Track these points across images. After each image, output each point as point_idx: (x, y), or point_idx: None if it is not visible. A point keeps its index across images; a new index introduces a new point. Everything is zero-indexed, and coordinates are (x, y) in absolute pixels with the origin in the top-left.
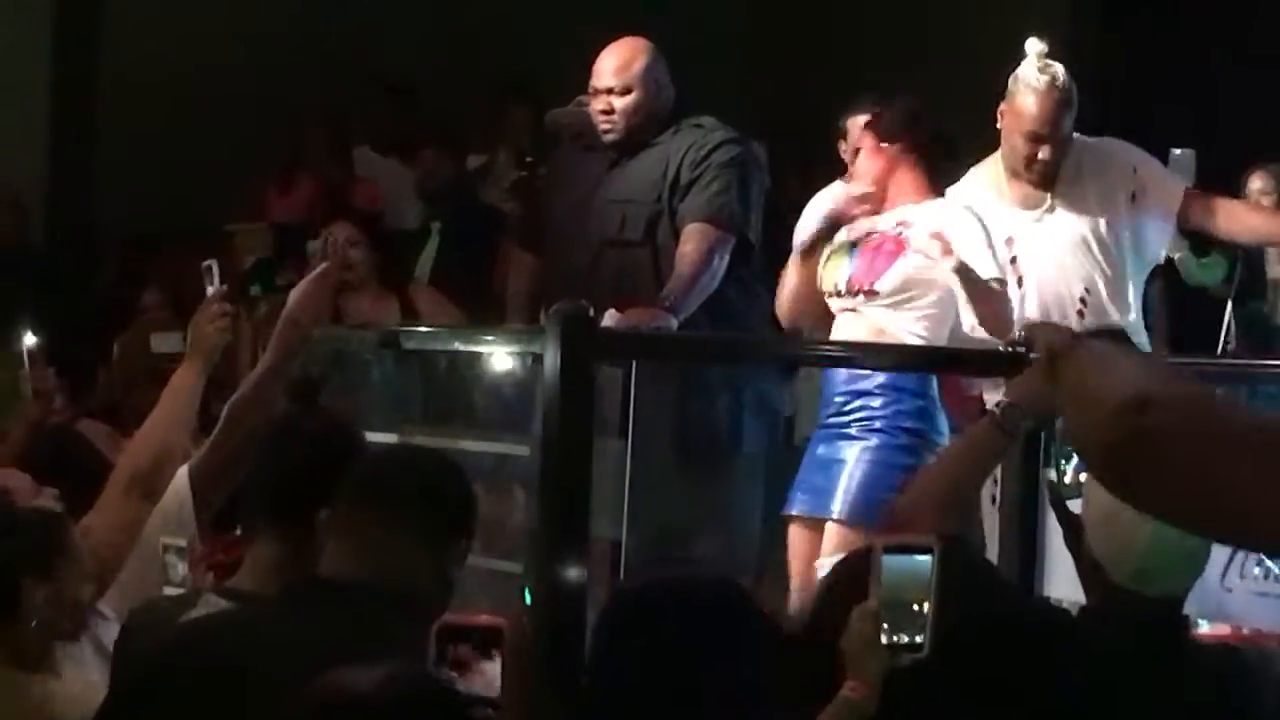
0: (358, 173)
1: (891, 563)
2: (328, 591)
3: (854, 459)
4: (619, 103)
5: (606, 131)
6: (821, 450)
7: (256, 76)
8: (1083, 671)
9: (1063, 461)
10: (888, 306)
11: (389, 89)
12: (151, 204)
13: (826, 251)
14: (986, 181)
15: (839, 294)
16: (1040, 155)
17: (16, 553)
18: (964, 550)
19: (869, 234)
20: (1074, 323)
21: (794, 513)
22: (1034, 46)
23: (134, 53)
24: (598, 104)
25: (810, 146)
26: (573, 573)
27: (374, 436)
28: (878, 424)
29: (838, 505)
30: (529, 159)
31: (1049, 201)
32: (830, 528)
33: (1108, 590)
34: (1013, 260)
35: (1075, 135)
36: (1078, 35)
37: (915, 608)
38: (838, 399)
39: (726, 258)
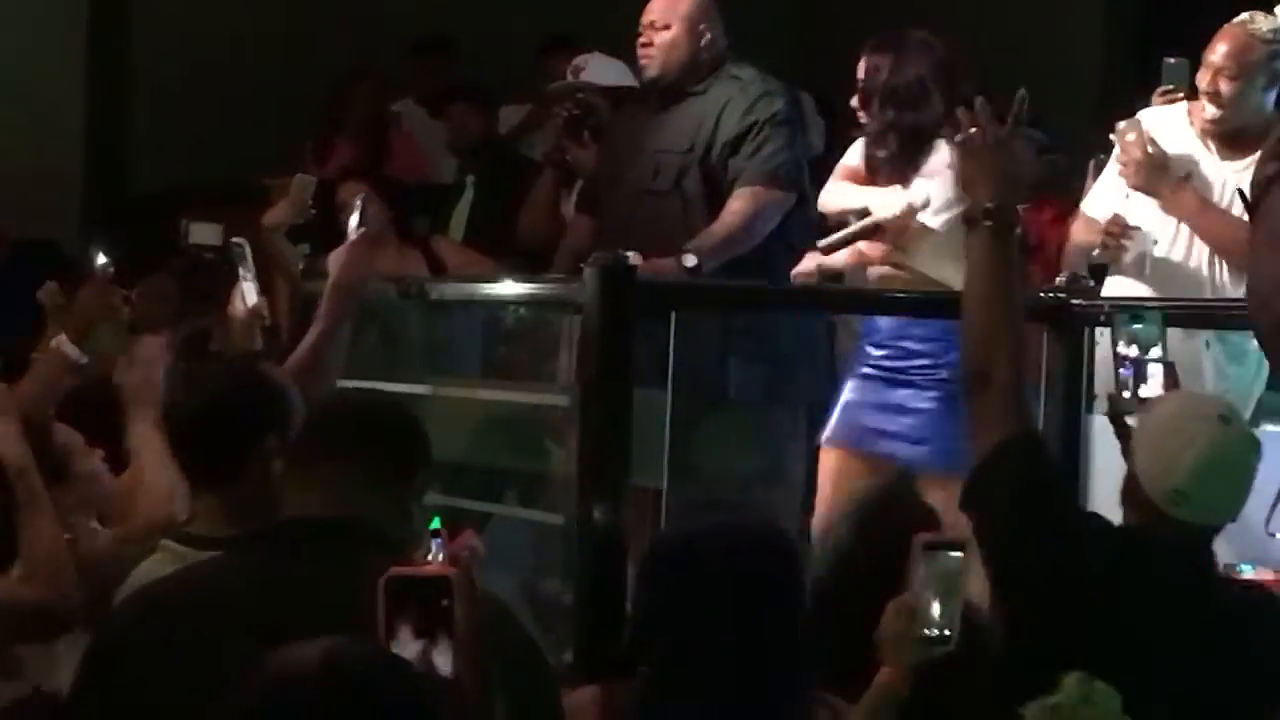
0: (404, 127)
1: (928, 559)
2: (303, 529)
3: (930, 408)
4: (658, 37)
5: (644, 67)
6: (881, 394)
7: (291, 29)
8: (1115, 585)
9: (1121, 375)
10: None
11: (419, 43)
12: (188, 161)
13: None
14: (1196, 114)
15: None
16: (1205, 85)
17: None
18: (1035, 442)
19: None
20: (1205, 280)
21: (869, 450)
22: None
23: (169, 8)
24: (641, 39)
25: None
26: (614, 521)
27: (412, 388)
28: (944, 373)
29: (933, 457)
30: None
31: (1249, 160)
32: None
33: (1142, 507)
34: None
35: None
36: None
37: (947, 603)
38: (890, 344)
39: (777, 218)
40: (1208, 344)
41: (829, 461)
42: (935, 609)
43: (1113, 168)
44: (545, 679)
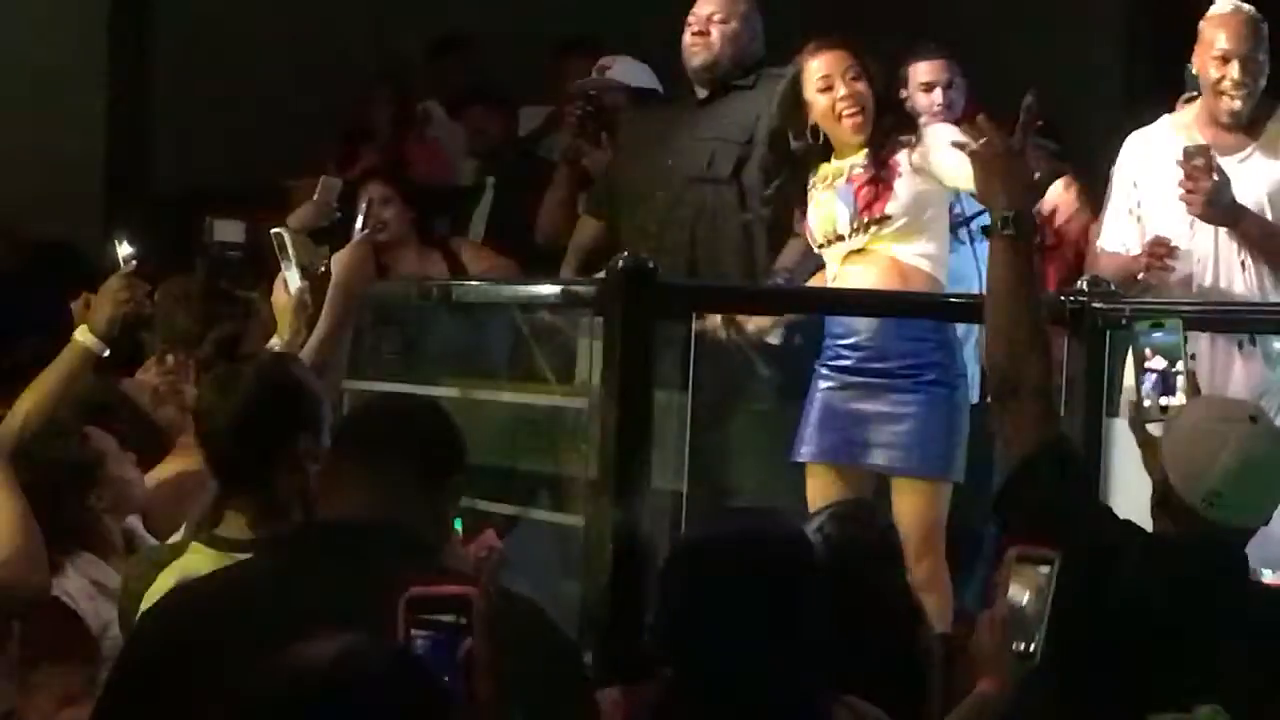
0: (428, 129)
1: (1018, 571)
2: (340, 532)
3: (915, 411)
4: (716, 30)
5: (695, 53)
6: (863, 402)
7: (313, 31)
8: (1147, 590)
9: (1144, 384)
10: (901, 230)
11: (439, 44)
12: (210, 163)
13: (812, 204)
14: (1179, 124)
15: (838, 239)
16: (1231, 74)
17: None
18: (1069, 447)
19: (847, 171)
20: (1238, 277)
21: (848, 463)
22: None
23: (191, 10)
24: (694, 28)
25: None
26: (634, 524)
27: (431, 390)
28: (931, 374)
29: (916, 462)
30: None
31: (1247, 150)
32: (916, 484)
33: (1177, 514)
34: None
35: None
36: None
37: (1033, 618)
38: (869, 346)
39: None
40: (1241, 344)
41: (819, 479)
42: (1022, 623)
43: (1119, 195)
44: (576, 681)
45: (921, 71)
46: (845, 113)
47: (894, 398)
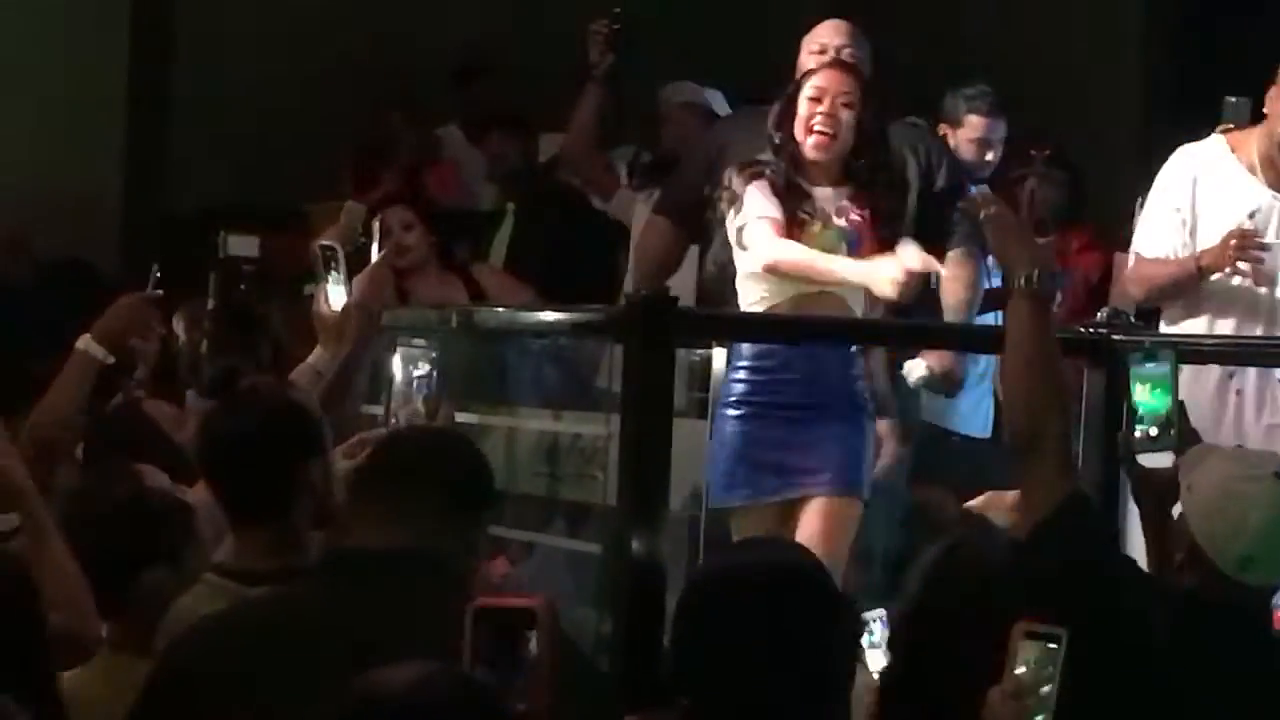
0: (443, 154)
1: (1026, 646)
2: (366, 561)
3: (839, 433)
4: (851, 62)
5: None
6: (793, 432)
7: (331, 56)
8: (1173, 652)
9: (1136, 416)
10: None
11: (460, 70)
12: (227, 186)
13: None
14: (1236, 149)
15: None
16: None
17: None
18: (1088, 503)
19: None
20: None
21: (776, 499)
22: None
23: (210, 34)
24: (824, 57)
25: None
26: (652, 551)
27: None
28: (862, 401)
29: (831, 482)
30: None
31: None
32: (833, 503)
33: (1205, 574)
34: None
35: None
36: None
37: (1043, 691)
38: (800, 378)
39: None
40: None
41: (752, 519)
42: (1032, 696)
43: (1168, 204)
44: (608, 711)
45: (976, 126)
46: (816, 127)
47: (825, 424)
